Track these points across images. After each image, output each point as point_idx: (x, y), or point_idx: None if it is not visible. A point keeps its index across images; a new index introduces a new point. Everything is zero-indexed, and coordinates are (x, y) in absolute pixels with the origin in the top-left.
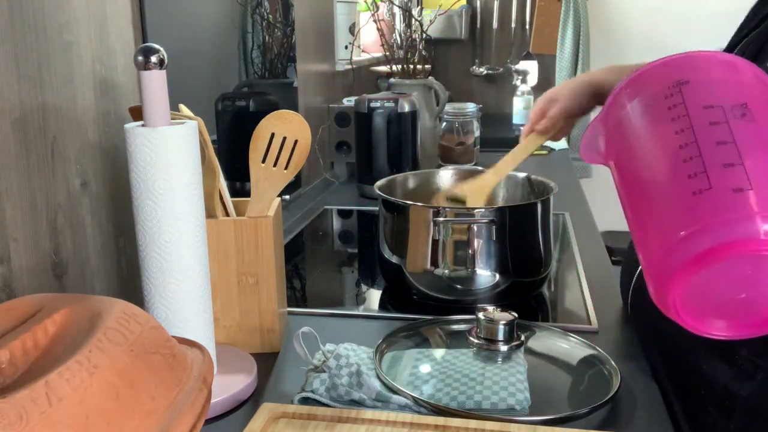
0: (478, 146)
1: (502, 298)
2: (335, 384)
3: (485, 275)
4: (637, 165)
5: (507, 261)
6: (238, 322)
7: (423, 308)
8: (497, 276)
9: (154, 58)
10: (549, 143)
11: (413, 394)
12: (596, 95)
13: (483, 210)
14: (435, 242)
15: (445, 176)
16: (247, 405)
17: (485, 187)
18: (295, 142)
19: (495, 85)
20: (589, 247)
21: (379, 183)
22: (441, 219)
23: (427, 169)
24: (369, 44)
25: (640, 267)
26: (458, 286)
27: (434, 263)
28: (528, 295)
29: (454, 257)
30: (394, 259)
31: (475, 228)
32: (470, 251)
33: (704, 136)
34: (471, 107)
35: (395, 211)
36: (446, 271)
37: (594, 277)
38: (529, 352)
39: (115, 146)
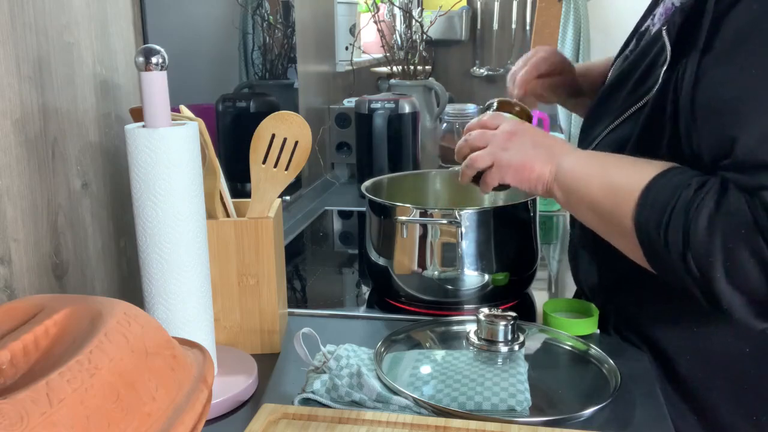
0: None
1: (491, 297)
2: (336, 385)
3: (473, 275)
4: None
5: (495, 259)
6: (239, 322)
7: (421, 309)
8: (486, 276)
9: (154, 60)
10: None
11: (414, 395)
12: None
13: (469, 211)
14: (422, 243)
15: (435, 176)
16: (247, 406)
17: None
18: (296, 143)
19: (495, 86)
20: None
21: (365, 184)
22: (429, 219)
23: (418, 170)
24: (369, 45)
25: None
26: (447, 287)
27: (422, 264)
28: (519, 292)
29: (442, 258)
30: (381, 261)
31: (463, 228)
32: (459, 250)
33: None
34: (471, 108)
35: (382, 214)
36: (435, 272)
37: None
38: (530, 353)
39: (116, 147)
